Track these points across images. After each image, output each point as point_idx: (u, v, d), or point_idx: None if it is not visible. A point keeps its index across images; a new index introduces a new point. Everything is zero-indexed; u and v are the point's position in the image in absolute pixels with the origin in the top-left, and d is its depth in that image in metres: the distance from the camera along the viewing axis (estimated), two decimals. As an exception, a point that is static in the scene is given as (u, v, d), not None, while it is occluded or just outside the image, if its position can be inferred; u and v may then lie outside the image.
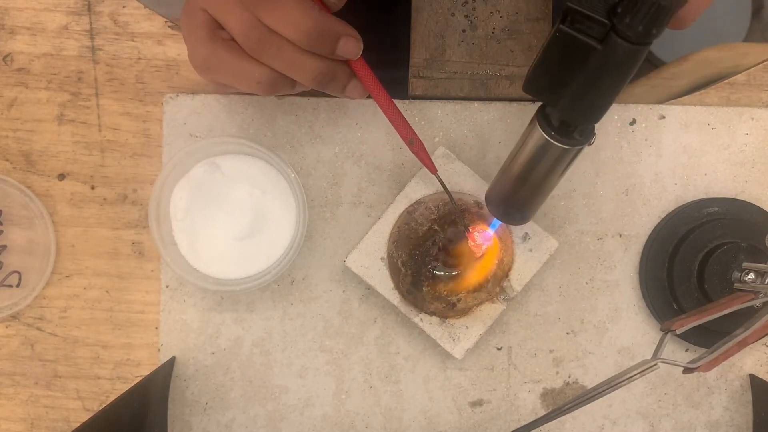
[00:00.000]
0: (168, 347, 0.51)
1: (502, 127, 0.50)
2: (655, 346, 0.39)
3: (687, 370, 0.39)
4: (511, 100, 0.50)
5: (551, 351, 0.51)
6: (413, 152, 0.45)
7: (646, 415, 0.51)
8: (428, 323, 0.48)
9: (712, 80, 0.53)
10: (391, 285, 0.48)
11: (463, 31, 0.49)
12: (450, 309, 0.48)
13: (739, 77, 0.52)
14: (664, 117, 0.51)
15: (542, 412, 0.51)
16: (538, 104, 0.37)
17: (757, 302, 0.41)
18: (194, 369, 0.51)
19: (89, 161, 0.51)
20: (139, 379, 0.49)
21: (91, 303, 0.51)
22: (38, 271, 0.51)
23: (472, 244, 0.46)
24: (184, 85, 0.51)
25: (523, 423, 0.45)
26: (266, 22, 0.38)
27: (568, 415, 0.46)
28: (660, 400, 0.51)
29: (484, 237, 0.46)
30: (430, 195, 0.49)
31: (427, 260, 0.47)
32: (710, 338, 0.48)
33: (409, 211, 0.48)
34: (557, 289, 0.51)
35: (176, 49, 0.51)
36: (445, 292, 0.47)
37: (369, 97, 0.43)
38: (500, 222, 0.45)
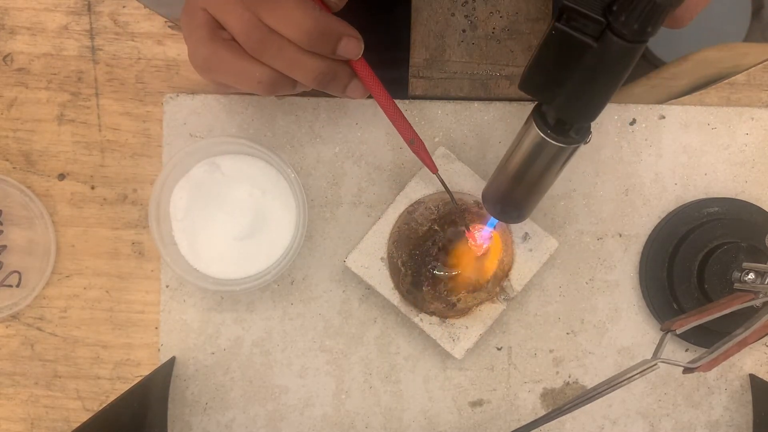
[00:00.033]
0: (168, 347, 0.51)
1: (502, 127, 0.50)
2: (655, 346, 0.39)
3: (687, 370, 0.39)
4: (511, 100, 0.50)
5: (551, 351, 0.51)
6: (414, 152, 0.45)
7: (646, 415, 0.51)
8: (428, 323, 0.48)
9: (712, 80, 0.53)
10: (391, 285, 0.48)
11: (463, 31, 0.49)
12: (450, 309, 0.48)
13: (739, 77, 0.52)
14: (664, 117, 0.51)
15: (542, 412, 0.51)
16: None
17: (757, 302, 0.41)
18: (194, 369, 0.51)
19: (89, 161, 0.51)
20: (139, 379, 0.49)
21: (91, 303, 0.51)
22: (38, 271, 0.51)
23: (472, 243, 0.46)
24: (184, 85, 0.51)
25: (523, 423, 0.45)
26: (267, 22, 0.38)
27: (568, 415, 0.46)
28: (660, 400, 0.51)
29: (483, 236, 0.46)
30: (430, 195, 0.49)
31: (427, 260, 0.47)
32: (710, 338, 0.48)
33: (409, 211, 0.48)
34: (557, 289, 0.51)
35: (176, 49, 0.51)
36: (445, 292, 0.47)
37: (370, 97, 0.43)
38: (497, 220, 0.45)
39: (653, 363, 0.38)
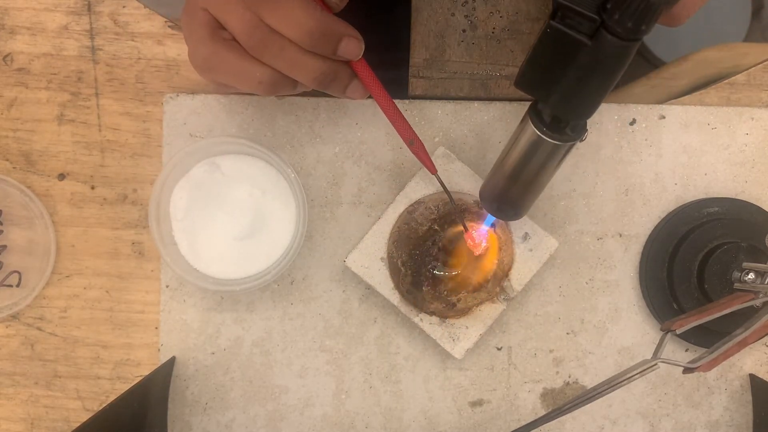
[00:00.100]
0: (168, 347, 0.51)
1: (502, 127, 0.50)
2: (655, 346, 0.39)
3: (687, 370, 0.39)
4: (511, 100, 0.50)
5: (551, 351, 0.51)
6: (413, 152, 0.45)
7: (646, 415, 0.51)
8: (428, 323, 0.48)
9: (712, 80, 0.53)
10: (391, 285, 0.48)
11: (463, 31, 0.49)
12: (450, 309, 0.48)
13: (739, 77, 0.52)
14: (664, 117, 0.51)
15: (542, 412, 0.51)
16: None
17: (757, 302, 0.41)
18: (194, 369, 0.51)
19: (89, 161, 0.51)
20: (139, 379, 0.49)
21: (91, 303, 0.51)
22: (38, 271, 0.51)
23: (471, 243, 0.46)
24: (184, 85, 0.51)
25: (523, 423, 0.45)
26: (268, 22, 0.38)
27: (568, 415, 0.46)
28: (660, 400, 0.51)
29: (482, 236, 0.46)
30: (430, 195, 0.49)
31: (427, 260, 0.47)
32: (710, 338, 0.48)
33: (409, 211, 0.48)
34: (557, 289, 0.51)
35: (176, 49, 0.51)
36: (445, 292, 0.47)
37: (369, 97, 0.43)
38: (494, 218, 0.45)
39: (653, 363, 0.38)
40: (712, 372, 0.50)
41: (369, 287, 0.49)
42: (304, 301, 0.51)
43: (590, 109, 0.34)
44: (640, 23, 0.29)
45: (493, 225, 0.47)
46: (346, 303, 0.51)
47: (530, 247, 0.48)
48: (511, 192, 0.40)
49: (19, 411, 0.51)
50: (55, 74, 0.51)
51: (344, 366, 0.51)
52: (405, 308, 0.48)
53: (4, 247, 0.51)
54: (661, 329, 0.40)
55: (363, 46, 0.40)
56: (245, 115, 0.50)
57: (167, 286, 0.51)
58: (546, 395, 0.51)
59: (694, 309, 0.42)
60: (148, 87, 0.51)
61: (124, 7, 0.51)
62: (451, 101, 0.50)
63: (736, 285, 0.45)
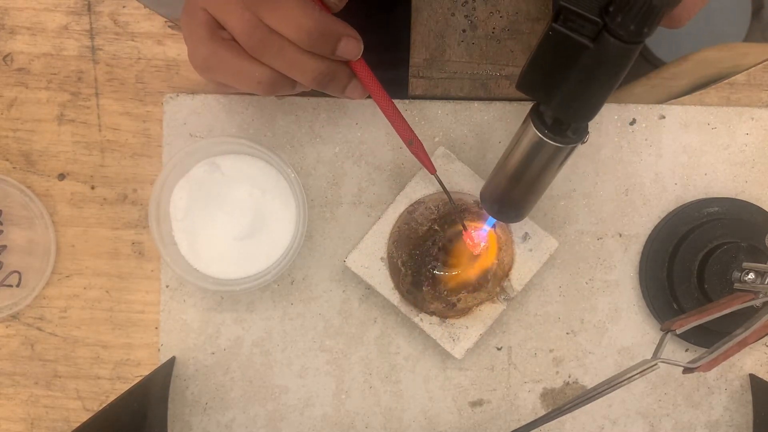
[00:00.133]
0: (168, 347, 0.51)
1: (502, 127, 0.50)
2: (655, 346, 0.39)
3: (687, 370, 0.39)
4: (511, 100, 0.50)
5: (551, 351, 0.51)
6: (413, 153, 0.45)
7: (646, 415, 0.51)
8: (428, 323, 0.48)
9: (712, 80, 0.53)
10: (391, 285, 0.48)
11: (463, 31, 0.49)
12: (450, 309, 0.48)
13: (739, 77, 0.52)
14: (664, 117, 0.51)
15: (542, 412, 0.51)
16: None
17: (757, 302, 0.41)
18: (194, 369, 0.51)
19: (89, 161, 0.51)
20: (139, 379, 0.49)
21: (91, 303, 0.51)
22: (38, 271, 0.51)
23: (470, 243, 0.46)
24: (184, 85, 0.51)
25: (523, 423, 0.45)
26: (267, 22, 0.38)
27: (568, 415, 0.46)
28: (660, 400, 0.51)
29: (481, 236, 0.46)
30: (430, 195, 0.49)
31: (427, 260, 0.47)
32: (710, 338, 0.48)
33: (409, 211, 0.48)
34: (557, 289, 0.51)
35: (176, 49, 0.51)
36: (445, 292, 0.47)
37: (369, 97, 0.43)
38: (495, 220, 0.45)
39: (653, 363, 0.38)
40: (712, 372, 0.50)
41: (369, 287, 0.49)
42: (304, 301, 0.51)
43: (592, 111, 0.34)
44: (643, 26, 0.29)
45: (493, 225, 0.47)
46: (346, 303, 0.51)
47: (530, 247, 0.48)
48: (513, 194, 0.40)
49: (19, 411, 0.51)
50: (55, 74, 0.51)
51: (344, 366, 0.51)
52: (405, 308, 0.48)
53: (4, 247, 0.51)
54: (661, 329, 0.40)
55: (362, 47, 0.40)
56: (245, 115, 0.50)
57: (167, 286, 0.51)
58: (546, 395, 0.51)
59: (694, 309, 0.42)
60: (148, 87, 0.51)
61: (124, 7, 0.51)
62: (451, 101, 0.50)
63: (736, 285, 0.45)
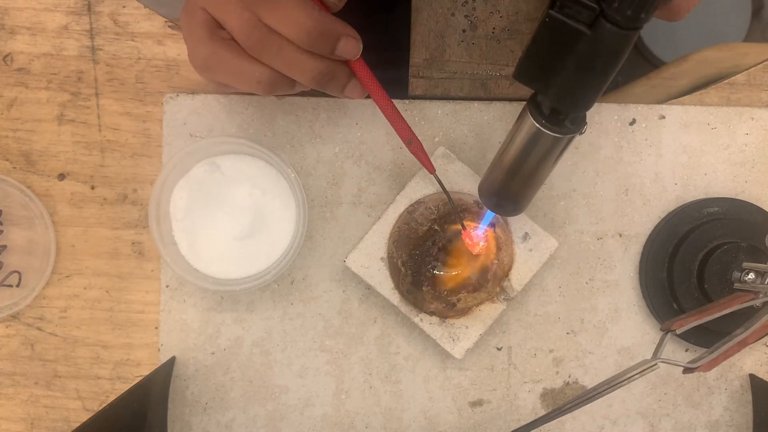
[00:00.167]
0: (168, 347, 0.51)
1: (502, 127, 0.50)
2: (655, 346, 0.39)
3: (687, 370, 0.39)
4: (511, 100, 0.50)
5: (551, 351, 0.51)
6: (412, 152, 0.45)
7: (646, 415, 0.51)
8: (428, 323, 0.48)
9: (712, 80, 0.53)
10: (391, 285, 0.48)
11: (463, 31, 0.49)
12: (450, 309, 0.48)
13: (739, 77, 0.52)
14: (664, 117, 0.51)
15: (542, 412, 0.51)
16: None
17: (757, 302, 0.41)
18: (194, 369, 0.51)
19: (89, 161, 0.51)
20: (139, 379, 0.49)
21: (91, 303, 0.51)
22: (38, 271, 0.51)
23: (468, 242, 0.46)
24: (184, 85, 0.51)
25: (523, 423, 0.45)
26: (266, 22, 0.38)
27: (568, 415, 0.46)
28: (660, 400, 0.51)
29: (480, 235, 0.46)
30: (430, 195, 0.49)
31: (427, 260, 0.47)
32: (710, 338, 0.48)
33: (409, 211, 0.48)
34: (557, 289, 0.51)
35: (176, 49, 0.51)
36: (445, 292, 0.47)
37: (368, 97, 0.43)
38: (493, 214, 0.45)
39: (653, 363, 0.38)
40: (712, 372, 0.50)
41: (369, 287, 0.49)
42: (304, 301, 0.51)
43: (589, 100, 0.33)
44: (640, 11, 0.29)
45: (492, 225, 0.47)
46: (346, 303, 0.51)
47: (530, 247, 0.48)
48: (511, 186, 0.40)
49: (19, 411, 0.51)
50: (55, 74, 0.51)
51: (344, 366, 0.51)
52: (405, 308, 0.48)
53: (4, 247, 0.51)
54: (661, 329, 0.40)
55: (361, 46, 0.40)
56: (245, 115, 0.50)
57: (167, 286, 0.51)
58: (546, 395, 0.51)
59: (694, 309, 0.42)
60: (148, 87, 0.51)
61: (124, 7, 0.51)
62: (451, 101, 0.50)
63: (736, 285, 0.45)
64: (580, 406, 0.38)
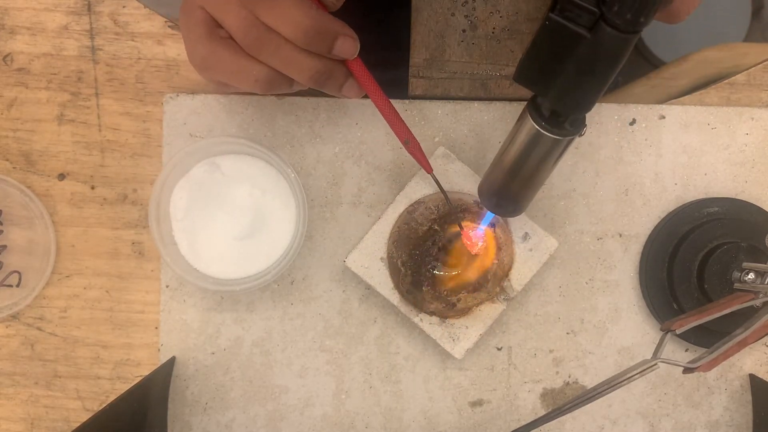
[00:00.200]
0: (168, 347, 0.51)
1: (502, 127, 0.50)
2: (655, 346, 0.39)
3: (687, 370, 0.39)
4: (511, 100, 0.50)
5: (551, 351, 0.51)
6: (410, 152, 0.45)
7: (646, 415, 0.51)
8: (428, 323, 0.48)
9: (712, 80, 0.53)
10: (391, 285, 0.48)
11: (463, 31, 0.49)
12: (450, 309, 0.48)
13: (739, 77, 0.52)
14: (664, 117, 0.51)
15: (542, 412, 0.51)
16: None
17: (757, 302, 0.41)
18: (194, 369, 0.51)
19: (89, 161, 0.51)
20: (139, 379, 0.49)
21: (91, 303, 0.51)
22: (38, 271, 0.51)
23: (469, 242, 0.46)
24: (184, 85, 0.51)
25: (523, 423, 0.45)
26: (264, 20, 0.38)
27: (568, 415, 0.46)
28: (660, 400, 0.51)
29: (480, 235, 0.46)
30: (430, 195, 0.49)
31: (427, 260, 0.47)
32: (710, 338, 0.48)
33: (409, 211, 0.48)
34: (557, 289, 0.51)
35: (176, 49, 0.51)
36: (445, 292, 0.47)
37: (366, 96, 0.43)
38: (492, 217, 0.45)
39: (653, 363, 0.38)
40: (712, 372, 0.50)
41: (369, 287, 0.49)
42: (304, 301, 0.51)
43: (589, 102, 0.34)
44: (639, 15, 0.29)
45: (492, 225, 0.47)
46: (346, 303, 0.51)
47: (530, 247, 0.48)
48: (510, 187, 0.40)
49: (19, 411, 0.51)
50: (55, 74, 0.51)
51: (344, 366, 0.51)
52: (405, 308, 0.48)
53: (4, 247, 0.51)
54: (661, 329, 0.40)
55: (358, 45, 0.40)
56: (245, 115, 0.50)
57: (167, 286, 0.51)
58: (546, 395, 0.51)
59: (694, 309, 0.42)
60: (148, 87, 0.51)
61: (124, 7, 0.51)
62: (451, 101, 0.50)
63: (736, 285, 0.45)
64: (580, 406, 0.38)
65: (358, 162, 0.50)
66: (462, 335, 0.48)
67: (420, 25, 0.49)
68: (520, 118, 0.37)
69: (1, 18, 0.51)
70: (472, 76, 0.50)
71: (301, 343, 0.51)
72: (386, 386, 0.51)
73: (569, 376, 0.51)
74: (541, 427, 0.42)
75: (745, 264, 0.45)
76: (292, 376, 0.51)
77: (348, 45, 0.39)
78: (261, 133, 0.50)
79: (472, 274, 0.47)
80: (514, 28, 0.49)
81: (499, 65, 0.50)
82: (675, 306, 0.49)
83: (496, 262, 0.47)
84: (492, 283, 0.47)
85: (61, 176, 0.51)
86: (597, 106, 0.50)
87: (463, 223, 0.47)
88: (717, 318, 0.41)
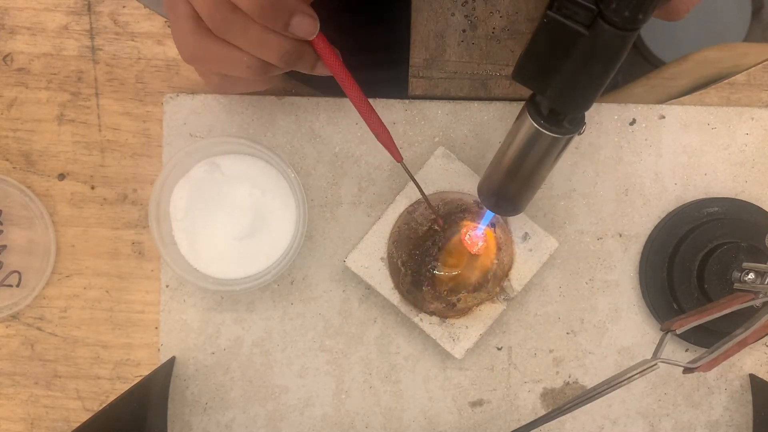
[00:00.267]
0: (168, 347, 0.51)
1: (502, 127, 0.50)
2: (655, 346, 0.39)
3: (687, 370, 0.39)
4: (511, 100, 0.50)
5: (551, 351, 0.51)
6: (381, 143, 0.44)
7: (646, 415, 0.51)
8: (428, 323, 0.48)
9: (712, 80, 0.53)
10: (391, 285, 0.48)
11: (463, 31, 0.49)
12: (450, 309, 0.48)
13: (739, 77, 0.52)
14: (664, 117, 0.51)
15: (542, 412, 0.51)
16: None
17: (757, 302, 0.41)
18: (194, 369, 0.51)
19: (89, 161, 0.51)
20: (139, 379, 0.49)
21: (91, 303, 0.51)
22: (38, 271, 0.51)
23: (469, 242, 0.46)
24: (184, 85, 0.51)
25: (523, 423, 0.45)
26: None
27: (568, 415, 0.46)
28: (660, 400, 0.51)
29: (480, 235, 0.46)
30: (430, 195, 0.49)
31: (427, 260, 0.47)
32: (710, 338, 0.48)
33: (409, 211, 0.48)
34: (557, 289, 0.51)
35: (176, 49, 0.51)
36: (445, 292, 0.47)
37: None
38: (491, 217, 0.45)
39: (653, 363, 0.38)
40: (712, 372, 0.50)
41: (369, 287, 0.49)
42: (304, 301, 0.51)
43: (588, 100, 0.33)
44: (637, 12, 0.29)
45: (492, 225, 0.47)
46: (346, 303, 0.51)
47: (530, 247, 0.48)
48: (510, 186, 0.40)
49: (19, 411, 0.51)
50: (55, 74, 0.51)
51: (344, 366, 0.51)
52: (405, 308, 0.48)
53: (4, 247, 0.51)
54: (661, 329, 0.40)
55: (317, 25, 0.39)
56: (245, 115, 0.50)
57: (167, 286, 0.51)
58: (546, 395, 0.51)
59: (694, 309, 0.42)
60: (148, 87, 0.51)
61: (124, 7, 0.51)
62: (451, 101, 0.50)
63: (736, 285, 0.45)
64: (580, 406, 0.38)
65: (358, 162, 0.50)
66: (462, 335, 0.48)
67: (420, 25, 0.49)
68: (519, 117, 0.37)
69: (1, 18, 0.51)
70: (472, 76, 0.50)
71: (301, 343, 0.51)
72: (386, 386, 0.51)
73: (569, 376, 0.51)
74: (541, 427, 0.42)
75: (745, 264, 0.45)
76: (292, 376, 0.51)
77: (306, 23, 0.38)
78: (261, 133, 0.50)
79: (472, 274, 0.47)
80: (514, 28, 0.49)
81: (499, 65, 0.50)
82: (675, 306, 0.49)
83: (496, 262, 0.47)
84: (492, 283, 0.47)
85: (61, 176, 0.51)
86: (597, 106, 0.50)
87: (463, 223, 0.47)
88: (717, 318, 0.41)
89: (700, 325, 0.40)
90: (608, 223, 0.51)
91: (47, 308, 0.51)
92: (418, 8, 0.49)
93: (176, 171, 0.48)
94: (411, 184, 0.49)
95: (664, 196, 0.51)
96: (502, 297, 0.48)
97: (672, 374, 0.51)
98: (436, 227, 0.47)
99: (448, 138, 0.50)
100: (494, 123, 0.50)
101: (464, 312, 0.48)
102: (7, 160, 0.51)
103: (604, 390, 0.38)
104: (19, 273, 0.51)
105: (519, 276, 0.48)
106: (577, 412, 0.49)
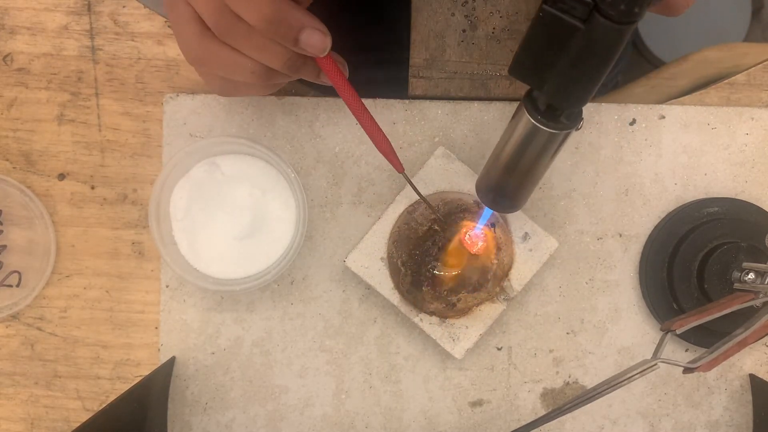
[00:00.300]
0: (168, 347, 0.51)
1: (502, 127, 0.50)
2: (655, 346, 0.39)
3: (687, 370, 0.39)
4: (511, 100, 0.50)
5: (551, 351, 0.51)
6: (381, 152, 0.43)
7: (646, 415, 0.51)
8: (428, 323, 0.48)
9: (712, 80, 0.53)
10: (391, 285, 0.48)
11: (463, 31, 0.49)
12: (450, 309, 0.48)
13: (739, 77, 0.52)
14: (664, 117, 0.51)
15: (542, 412, 0.51)
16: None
17: (757, 302, 0.41)
18: (194, 369, 0.51)
19: (89, 161, 0.51)
20: (139, 379, 0.49)
21: (91, 303, 0.51)
22: (38, 271, 0.51)
23: (468, 242, 0.46)
24: (184, 85, 0.51)
25: (523, 423, 0.45)
26: (231, 7, 0.37)
27: (568, 415, 0.46)
28: (660, 400, 0.51)
29: (480, 235, 0.46)
30: (430, 195, 0.49)
31: (427, 260, 0.47)
32: (710, 338, 0.48)
33: (409, 211, 0.48)
34: (557, 289, 0.51)
35: (176, 49, 0.51)
36: (445, 292, 0.47)
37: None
38: (491, 211, 0.45)
39: (653, 363, 0.38)
40: (712, 372, 0.50)
41: (369, 287, 0.49)
42: (304, 301, 0.51)
43: (585, 95, 0.33)
44: (633, 6, 0.29)
45: (492, 225, 0.47)
46: (346, 303, 0.51)
47: (530, 247, 0.48)
48: (508, 183, 0.40)
49: (19, 411, 0.51)
50: (55, 74, 0.51)
51: (344, 366, 0.51)
52: (405, 308, 0.48)
53: (4, 247, 0.51)
54: (661, 329, 0.40)
55: (329, 42, 0.38)
56: (245, 115, 0.50)
57: (167, 286, 0.51)
58: (546, 395, 0.51)
59: (694, 309, 0.42)
60: (148, 87, 0.51)
61: (124, 7, 0.51)
62: (451, 101, 0.50)
63: (736, 285, 0.45)
64: (580, 406, 0.38)
65: (358, 162, 0.50)
66: (462, 335, 0.48)
67: (420, 25, 0.49)
68: (517, 113, 0.36)
69: (1, 18, 0.51)
70: (472, 76, 0.50)
71: (301, 343, 0.51)
72: (386, 386, 0.51)
73: (569, 376, 0.51)
74: (541, 427, 0.42)
75: (745, 264, 0.45)
76: (292, 376, 0.51)
77: (316, 38, 0.37)
78: (261, 133, 0.50)
79: (472, 274, 0.47)
80: (514, 28, 0.49)
81: (499, 65, 0.50)
82: (675, 306, 0.49)
83: (496, 262, 0.47)
84: (492, 283, 0.47)
85: (61, 176, 0.51)
86: (597, 105, 0.50)
87: (463, 223, 0.47)
88: (717, 318, 0.41)
89: (700, 325, 0.40)
90: (608, 223, 0.51)
91: (47, 308, 0.51)
92: (418, 8, 0.49)
93: (176, 171, 0.48)
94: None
95: (664, 196, 0.51)
96: (502, 297, 0.48)
97: (672, 374, 0.51)
98: (436, 227, 0.47)
99: (448, 138, 0.50)
100: (494, 123, 0.50)
101: (464, 312, 0.48)
102: (7, 160, 0.51)
103: (604, 390, 0.38)
104: (19, 273, 0.51)
105: (519, 276, 0.48)
106: (577, 412, 0.49)
